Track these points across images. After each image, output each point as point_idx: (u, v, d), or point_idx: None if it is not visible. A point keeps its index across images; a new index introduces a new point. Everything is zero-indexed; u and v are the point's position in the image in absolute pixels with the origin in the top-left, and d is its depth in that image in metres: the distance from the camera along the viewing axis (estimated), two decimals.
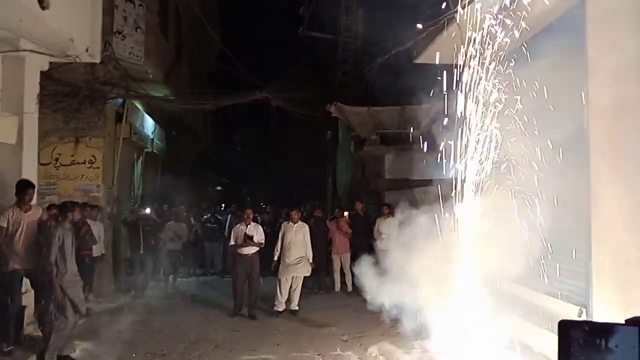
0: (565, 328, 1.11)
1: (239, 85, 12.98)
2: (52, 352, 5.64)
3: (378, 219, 10.40)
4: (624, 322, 1.12)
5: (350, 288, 10.37)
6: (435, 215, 9.33)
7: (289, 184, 22.95)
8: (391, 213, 10.43)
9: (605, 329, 1.11)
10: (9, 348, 5.57)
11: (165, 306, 9.34)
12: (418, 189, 13.02)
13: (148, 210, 10.76)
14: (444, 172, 13.29)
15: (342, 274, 10.54)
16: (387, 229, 10.07)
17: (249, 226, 8.67)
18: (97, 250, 8.94)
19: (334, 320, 8.26)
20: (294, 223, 8.88)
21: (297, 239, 8.73)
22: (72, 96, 9.51)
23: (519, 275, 6.19)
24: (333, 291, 10.50)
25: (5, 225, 5.65)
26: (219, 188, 26.05)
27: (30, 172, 6.56)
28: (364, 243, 10.25)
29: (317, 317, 8.53)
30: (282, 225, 9.12)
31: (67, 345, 5.93)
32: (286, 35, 16.90)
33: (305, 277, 10.86)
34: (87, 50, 6.84)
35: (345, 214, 11.26)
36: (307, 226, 9.07)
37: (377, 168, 13.84)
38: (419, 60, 8.71)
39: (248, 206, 10.99)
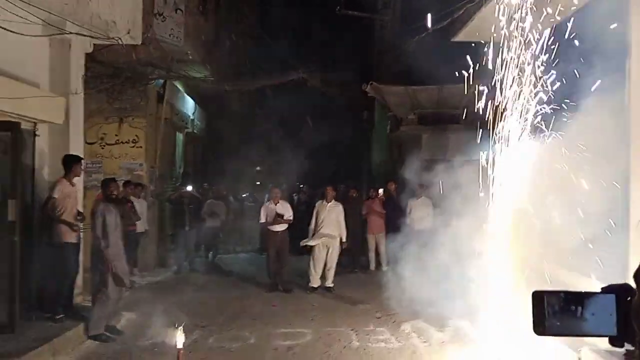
0: (540, 297, 1.12)
1: (275, 66, 13.10)
2: (97, 321, 5.99)
3: (410, 199, 10.37)
4: (599, 291, 1.14)
5: (385, 267, 10.44)
6: (473, 195, 9.27)
7: (326, 164, 23.02)
8: (426, 193, 10.42)
9: (581, 297, 1.12)
10: (60, 316, 5.91)
11: (205, 281, 9.67)
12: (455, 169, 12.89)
13: (190, 188, 11.08)
14: (483, 152, 13.07)
15: (377, 254, 10.61)
16: (421, 209, 10.07)
17: (277, 204, 8.86)
18: (140, 226, 9.30)
19: (368, 298, 8.38)
20: (328, 202, 8.98)
21: (331, 217, 8.83)
22: (115, 77, 9.81)
23: (562, 258, 6.11)
24: (368, 270, 10.59)
25: (57, 196, 5.93)
26: (258, 168, 26.40)
27: (77, 150, 6.86)
28: (397, 223, 10.27)
29: (352, 294, 8.66)
30: (316, 204, 9.24)
31: (113, 315, 6.28)
32: (323, 15, 16.80)
33: (340, 256, 11.01)
34: (128, 32, 7.05)
35: (381, 190, 11.29)
36: (340, 205, 9.15)
37: (414, 148, 13.73)
38: (458, 38, 8.56)
39: (281, 186, 11.20)
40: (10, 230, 5.01)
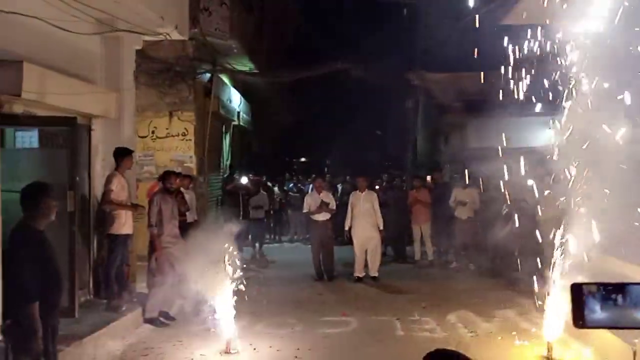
0: (578, 289, 1.11)
1: (319, 56, 13.13)
2: (151, 306, 6.28)
3: (455, 189, 10.20)
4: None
5: (430, 257, 10.35)
6: (524, 184, 9.04)
7: (370, 154, 22.96)
8: (475, 183, 10.23)
9: (622, 287, 1.11)
10: (115, 302, 6.21)
11: (253, 270, 9.89)
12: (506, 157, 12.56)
13: (245, 180, 11.33)
14: (537, 139, 12.66)
15: (422, 244, 10.52)
16: (466, 198, 9.89)
17: (321, 194, 8.94)
18: (189, 216, 9.59)
19: (414, 288, 8.36)
20: (362, 192, 8.96)
21: (365, 207, 8.81)
22: (164, 72, 10.11)
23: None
24: (413, 260, 10.53)
25: (113, 189, 6.22)
26: (302, 159, 26.65)
27: (130, 144, 7.14)
28: (443, 213, 10.16)
29: (397, 284, 8.67)
30: (351, 195, 9.26)
31: (167, 302, 6.55)
32: (367, 3, 16.66)
33: (386, 246, 10.99)
34: (176, 27, 7.25)
35: (429, 178, 11.18)
36: (375, 194, 9.16)
37: (461, 136, 13.47)
38: (506, 22, 8.31)
39: (326, 176, 11.27)
40: (70, 220, 5.29)
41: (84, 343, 4.97)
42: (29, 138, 7.14)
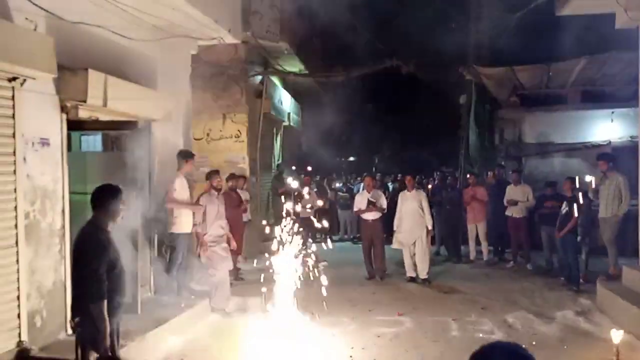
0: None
1: (369, 55, 13.07)
2: (220, 298, 6.72)
3: (508, 187, 9.90)
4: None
5: (486, 257, 10.10)
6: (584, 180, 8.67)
7: (422, 152, 22.63)
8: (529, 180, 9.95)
9: None
10: (174, 299, 6.43)
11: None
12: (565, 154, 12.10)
13: (297, 183, 11.44)
14: (604, 134, 12.04)
15: (478, 243, 10.27)
16: (518, 196, 9.59)
17: (371, 192, 8.89)
18: (244, 216, 9.79)
19: (470, 288, 8.18)
20: (409, 191, 8.82)
21: (413, 207, 8.63)
22: (218, 75, 10.36)
23: None
24: (469, 260, 10.29)
25: (177, 188, 6.46)
26: (352, 159, 26.59)
27: (186, 146, 7.38)
28: (500, 211, 9.89)
29: (453, 284, 8.50)
30: (399, 195, 9.14)
31: (221, 298, 6.79)
32: None
33: (439, 245, 10.82)
34: (229, 31, 7.40)
35: (490, 174, 10.92)
36: (423, 193, 9.03)
37: (517, 132, 13.06)
38: (563, 13, 7.99)
39: (376, 175, 11.20)
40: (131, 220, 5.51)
41: (146, 338, 5.17)
42: (93, 142, 7.52)
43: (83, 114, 5.36)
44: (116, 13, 5.64)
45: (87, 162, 5.92)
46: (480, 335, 6.00)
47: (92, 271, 3.35)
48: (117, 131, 6.13)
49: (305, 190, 11.40)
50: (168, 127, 7.08)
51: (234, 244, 7.20)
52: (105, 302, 3.37)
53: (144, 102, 6.06)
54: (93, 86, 5.10)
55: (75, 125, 5.36)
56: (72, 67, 5.12)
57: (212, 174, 7.12)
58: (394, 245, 8.88)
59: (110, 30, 5.60)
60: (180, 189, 6.44)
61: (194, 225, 6.71)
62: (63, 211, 5.09)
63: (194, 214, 6.67)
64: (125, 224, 5.35)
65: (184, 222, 6.49)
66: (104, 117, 5.67)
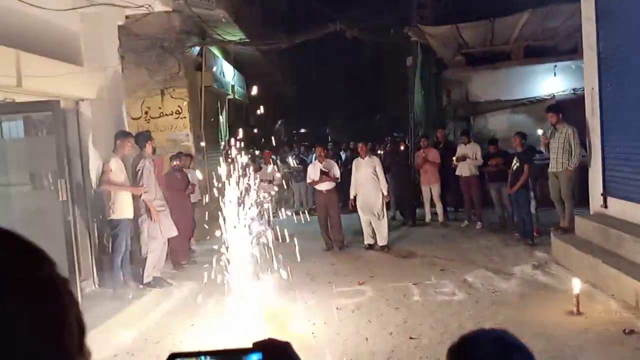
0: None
1: (312, 20, 12.61)
2: (149, 270, 6.42)
3: (458, 146, 9.89)
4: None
5: (441, 219, 10.11)
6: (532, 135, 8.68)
7: (372, 118, 22.54)
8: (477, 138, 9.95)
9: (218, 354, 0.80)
10: (120, 290, 6.03)
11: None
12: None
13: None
14: (541, 88, 12.22)
15: (432, 205, 10.25)
16: (469, 154, 9.62)
17: (323, 162, 8.65)
18: (194, 197, 9.34)
19: (427, 251, 8.14)
20: (363, 158, 8.63)
21: (367, 173, 8.47)
22: (151, 49, 9.69)
23: None
24: (424, 222, 10.28)
25: (111, 169, 5.96)
26: (302, 130, 26.22)
27: (120, 125, 6.84)
28: (450, 171, 9.90)
29: (410, 248, 8.45)
30: (353, 162, 8.92)
31: (160, 267, 6.68)
32: None
33: (395, 210, 10.75)
34: None
35: (439, 135, 10.88)
36: (377, 159, 8.85)
37: (463, 92, 13.07)
38: None
39: (328, 145, 10.93)
40: (64, 210, 5.03)
41: (91, 336, 4.76)
42: (15, 128, 6.84)
43: None
44: None
45: (8, 150, 5.31)
46: (442, 297, 5.93)
47: None
48: (39, 114, 5.53)
49: (270, 166, 11.04)
50: (98, 105, 6.52)
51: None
52: None
53: (67, 79, 5.51)
54: (2, 64, 4.53)
55: None
56: None
57: (145, 137, 6.61)
58: (360, 211, 8.68)
59: (23, 1, 4.98)
60: (117, 170, 5.95)
61: (142, 191, 6.24)
62: None
63: (134, 196, 6.20)
64: (56, 214, 4.90)
65: (123, 207, 6.02)
66: (21, 99, 5.10)
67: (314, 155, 13.24)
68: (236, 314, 5.38)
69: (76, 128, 6.25)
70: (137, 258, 6.58)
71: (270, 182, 11.11)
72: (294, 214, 13.24)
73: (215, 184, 11.16)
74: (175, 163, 8.24)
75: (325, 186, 8.65)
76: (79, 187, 6.19)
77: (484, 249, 7.98)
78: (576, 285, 4.97)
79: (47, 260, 0.68)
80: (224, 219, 11.10)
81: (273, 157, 12.21)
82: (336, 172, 8.74)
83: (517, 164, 8.16)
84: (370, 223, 8.55)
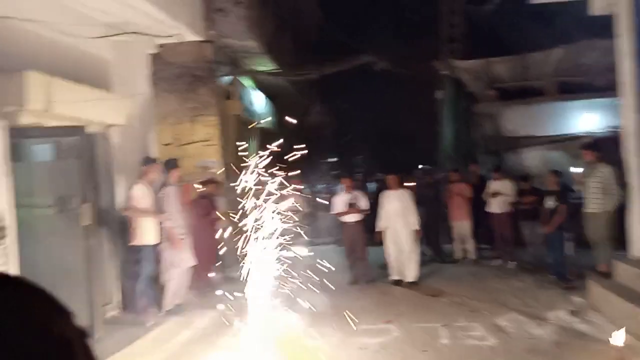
0: None
1: (341, 52, 12.68)
2: (169, 297, 6.35)
3: (489, 181, 9.59)
4: None
5: (473, 256, 9.76)
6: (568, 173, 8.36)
7: (400, 150, 22.31)
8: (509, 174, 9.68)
9: None
10: (140, 317, 5.91)
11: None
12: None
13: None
14: (583, 125, 11.80)
15: (463, 241, 9.92)
16: (500, 190, 9.31)
17: (349, 194, 8.47)
18: (220, 224, 9.25)
19: (457, 290, 7.80)
20: (393, 190, 8.40)
21: (398, 206, 8.21)
22: (183, 77, 9.82)
23: None
24: (454, 260, 9.92)
25: (135, 195, 5.92)
26: (332, 159, 26.14)
27: (150, 151, 6.86)
28: (482, 207, 9.57)
29: (439, 286, 8.11)
30: (382, 194, 8.67)
31: (181, 294, 6.56)
32: None
33: (423, 246, 10.41)
34: (188, 27, 6.90)
35: (473, 169, 10.55)
36: (408, 192, 8.51)
37: (495, 126, 12.82)
38: (535, 0, 7.72)
39: (357, 175, 10.77)
40: (86, 235, 4.99)
41: None
42: (46, 151, 6.92)
43: (26, 120, 4.84)
44: (59, 9, 5.10)
45: (36, 173, 5.32)
46: (472, 342, 5.61)
47: None
48: (69, 138, 5.55)
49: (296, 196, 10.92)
50: (128, 132, 6.56)
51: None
52: None
53: (96, 105, 5.54)
54: (33, 89, 4.58)
55: (16, 133, 4.80)
56: (9, 69, 4.59)
57: (172, 164, 6.60)
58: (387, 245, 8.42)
59: (56, 30, 5.08)
60: (142, 197, 5.92)
61: (164, 218, 6.19)
62: (7, 228, 4.54)
63: (158, 224, 6.14)
64: (78, 238, 4.85)
65: (146, 233, 5.96)
66: (50, 123, 5.14)
67: (341, 185, 13.15)
68: (254, 349, 5.19)
69: (104, 153, 6.29)
70: (160, 285, 6.49)
71: (296, 211, 11.01)
72: (319, 244, 13.13)
73: (240, 211, 11.12)
74: (201, 190, 8.21)
75: (351, 218, 8.46)
76: (106, 211, 6.18)
77: (516, 291, 7.61)
78: (620, 337, 4.61)
79: (63, 314, 0.65)
80: (248, 248, 10.98)
81: (299, 186, 12.12)
82: (363, 204, 8.56)
83: (552, 203, 7.85)
84: (399, 258, 8.30)
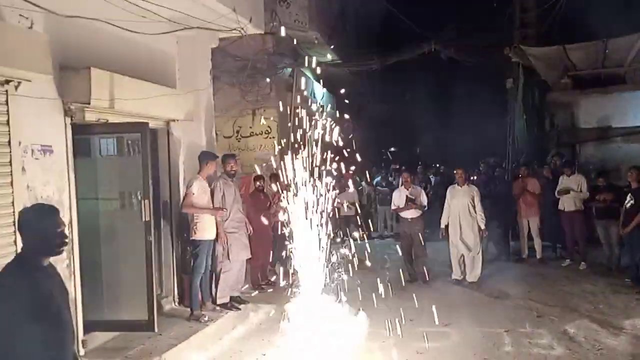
0: None
1: (405, 40, 12.31)
2: (223, 290, 6.42)
3: (561, 177, 8.98)
4: None
5: (539, 255, 9.23)
6: None
7: (465, 141, 21.56)
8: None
9: None
10: (203, 317, 6.01)
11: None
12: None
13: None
14: None
15: (530, 239, 9.39)
16: (573, 186, 8.70)
17: (409, 189, 8.22)
18: (279, 217, 9.31)
19: (522, 292, 7.42)
20: (461, 186, 8.04)
21: (464, 203, 7.87)
22: (245, 70, 9.91)
23: None
24: (521, 259, 9.42)
25: (194, 192, 5.98)
26: (392, 149, 25.71)
27: (210, 146, 6.94)
28: (552, 204, 9.01)
29: (502, 287, 7.72)
30: (448, 189, 8.34)
31: (236, 286, 6.68)
32: None
33: (487, 243, 9.97)
34: (250, 21, 6.87)
35: (547, 167, 9.98)
36: (475, 188, 8.10)
37: (569, 116, 12.03)
38: None
39: (417, 168, 10.48)
40: (146, 230, 5.11)
41: (163, 359, 4.77)
42: (112, 145, 7.18)
43: (90, 116, 4.99)
44: (124, 7, 5.20)
45: (100, 167, 5.50)
46: (537, 350, 5.28)
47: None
48: (131, 134, 5.69)
49: (351, 187, 10.82)
50: (189, 126, 6.66)
51: (250, 229, 6.87)
52: None
53: (160, 101, 5.64)
54: (97, 86, 4.71)
55: (81, 130, 4.97)
56: (75, 66, 4.74)
57: (226, 158, 6.67)
58: (451, 243, 8.14)
59: (120, 26, 5.18)
60: (200, 192, 5.99)
61: (221, 213, 6.26)
62: (70, 223, 4.73)
63: (215, 219, 6.20)
64: (138, 233, 4.98)
65: (205, 229, 6.04)
66: (114, 119, 5.28)
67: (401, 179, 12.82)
68: (308, 347, 5.14)
69: (166, 148, 6.42)
70: (216, 278, 6.58)
71: (352, 204, 10.88)
72: (377, 238, 12.92)
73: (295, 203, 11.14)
74: (258, 184, 8.25)
75: (410, 214, 8.22)
76: (166, 206, 6.32)
77: (588, 295, 7.13)
78: None
79: None
80: (304, 243, 10.94)
81: (357, 177, 11.95)
82: (423, 199, 8.28)
83: (632, 201, 7.26)
84: (461, 256, 8.00)
